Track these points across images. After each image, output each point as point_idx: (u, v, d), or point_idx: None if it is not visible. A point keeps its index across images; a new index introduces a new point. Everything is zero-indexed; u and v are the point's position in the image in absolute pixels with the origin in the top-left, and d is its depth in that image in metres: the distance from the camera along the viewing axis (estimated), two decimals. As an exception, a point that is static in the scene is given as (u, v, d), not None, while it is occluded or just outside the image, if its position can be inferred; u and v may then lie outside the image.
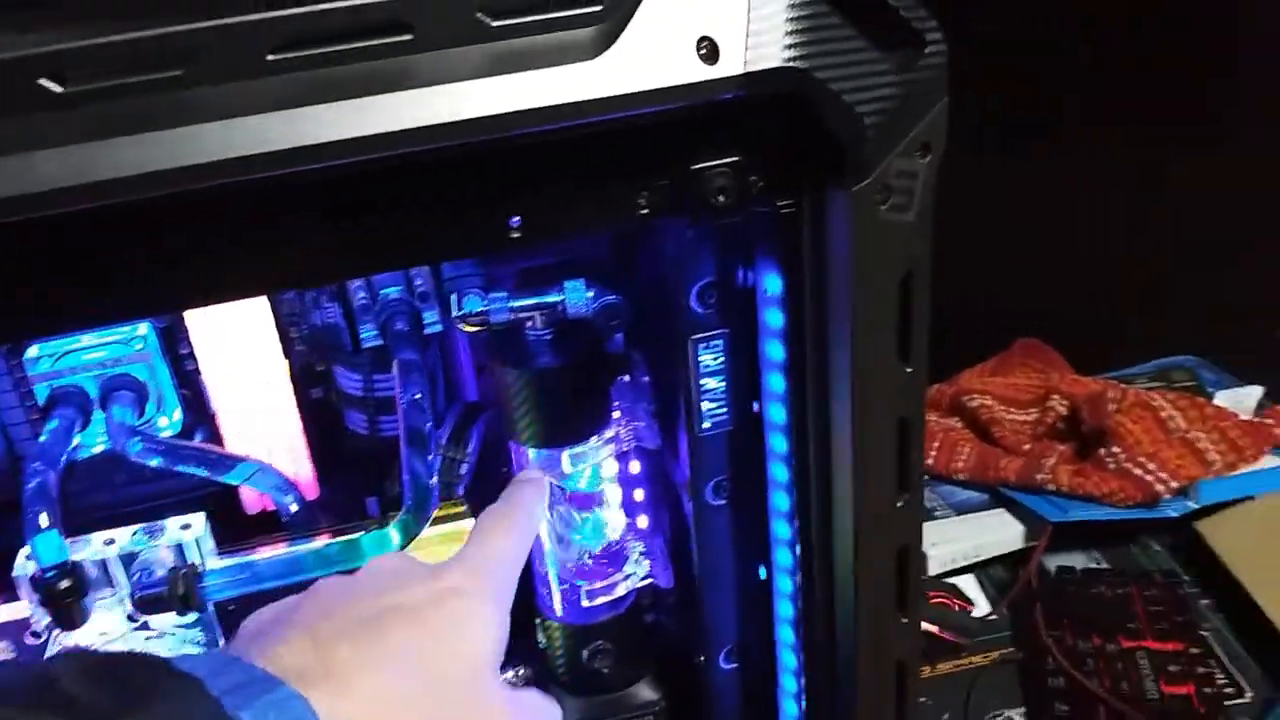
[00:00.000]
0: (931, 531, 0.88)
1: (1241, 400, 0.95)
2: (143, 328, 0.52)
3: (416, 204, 0.40)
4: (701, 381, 0.51)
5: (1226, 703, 0.74)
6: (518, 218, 0.41)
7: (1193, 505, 0.85)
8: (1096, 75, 0.99)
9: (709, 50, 0.38)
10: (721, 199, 0.42)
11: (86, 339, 0.52)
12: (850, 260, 0.43)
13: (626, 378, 0.57)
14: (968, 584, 0.87)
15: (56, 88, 0.34)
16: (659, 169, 0.42)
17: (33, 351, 0.52)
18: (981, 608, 0.85)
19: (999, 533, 0.88)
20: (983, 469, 0.91)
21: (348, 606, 0.37)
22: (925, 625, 0.79)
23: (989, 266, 1.03)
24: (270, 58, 0.35)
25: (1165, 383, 1.01)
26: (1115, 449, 0.87)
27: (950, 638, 0.81)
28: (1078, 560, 0.88)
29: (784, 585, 0.55)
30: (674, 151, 0.41)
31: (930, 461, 0.94)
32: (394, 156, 0.37)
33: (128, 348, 0.52)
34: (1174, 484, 0.84)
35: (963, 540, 0.88)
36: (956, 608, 0.84)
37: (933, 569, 0.87)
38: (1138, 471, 0.85)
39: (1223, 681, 0.76)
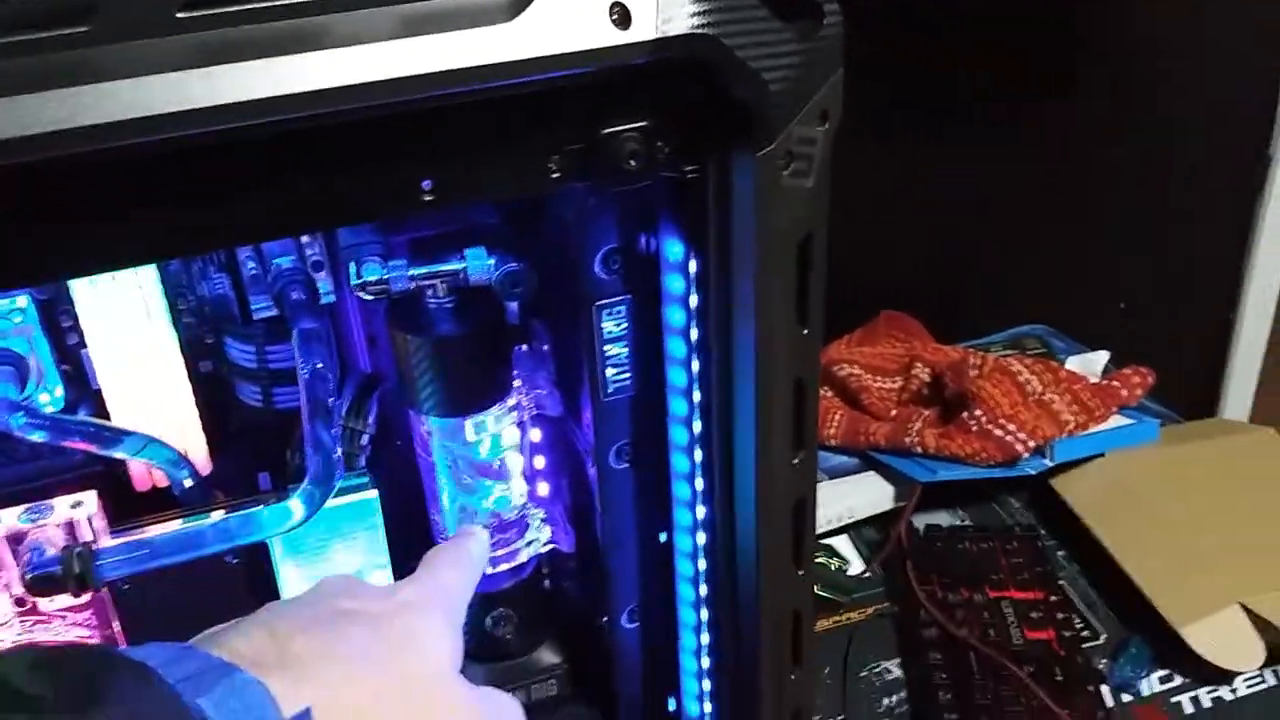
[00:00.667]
0: (808, 495, 0.91)
1: (1090, 365, 1.00)
2: (21, 300, 0.50)
3: (329, 166, 0.39)
4: (605, 348, 0.51)
5: (1084, 645, 0.79)
6: (430, 181, 0.41)
7: (1049, 463, 0.90)
8: (957, 48, 1.03)
9: (620, 15, 0.39)
10: (632, 163, 0.43)
11: (-40, 313, 0.49)
12: (753, 224, 0.44)
13: (525, 347, 0.57)
14: (842, 544, 0.90)
15: (-47, 42, 0.33)
16: (570, 133, 0.42)
17: (-98, 326, 0.49)
18: (856, 566, 0.88)
19: (870, 494, 0.92)
20: (853, 435, 0.95)
21: (303, 610, 0.37)
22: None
23: (852, 241, 1.06)
24: (179, 15, 0.35)
25: (1018, 350, 1.07)
26: (977, 412, 0.91)
27: (828, 595, 0.84)
28: (944, 518, 0.92)
29: (684, 544, 0.56)
30: (585, 116, 0.42)
31: (804, 428, 0.97)
32: (306, 118, 0.37)
33: (6, 321, 0.50)
34: (1032, 444, 0.89)
35: (836, 503, 0.91)
36: (834, 567, 0.87)
37: (810, 531, 0.90)
38: (998, 433, 0.89)
39: (1080, 626, 0.81)
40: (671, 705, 0.62)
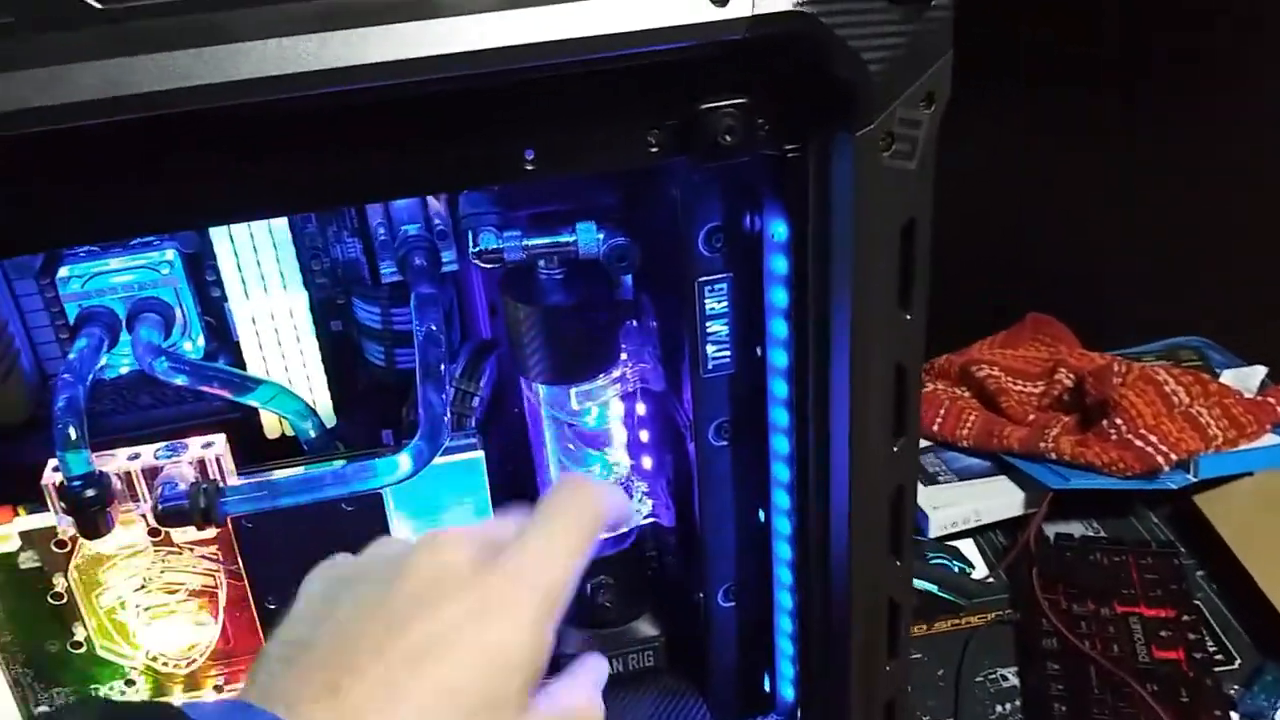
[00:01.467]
0: (934, 495, 0.90)
1: (1246, 379, 0.95)
2: (169, 253, 0.54)
3: (437, 133, 0.41)
4: (706, 324, 0.52)
5: (1215, 668, 0.75)
6: (531, 150, 0.42)
7: (1192, 479, 0.86)
8: (1119, 55, 0.99)
9: (718, -9, 0.40)
10: (728, 139, 0.43)
11: (115, 262, 0.54)
12: (853, 206, 0.44)
13: (634, 322, 0.58)
14: (967, 547, 0.89)
15: (96, 4, 0.36)
16: (669, 108, 0.43)
17: (63, 272, 0.53)
18: (980, 570, 0.86)
19: (1000, 498, 0.90)
20: (987, 437, 0.93)
21: (380, 638, 0.35)
22: (925, 585, 0.81)
23: (1006, 243, 1.04)
24: (299, -17, 0.37)
25: (1173, 361, 1.02)
26: (1118, 420, 0.88)
27: (949, 598, 0.82)
28: (1076, 528, 0.89)
29: (782, 526, 0.56)
30: (683, 91, 0.43)
31: (936, 428, 0.95)
32: (414, 84, 0.39)
33: (155, 272, 0.54)
34: (1174, 457, 0.85)
35: (964, 504, 0.89)
36: (956, 569, 0.85)
37: (933, 531, 0.88)
38: (1139, 443, 0.86)
39: (1213, 649, 0.77)
40: (766, 686, 0.62)
